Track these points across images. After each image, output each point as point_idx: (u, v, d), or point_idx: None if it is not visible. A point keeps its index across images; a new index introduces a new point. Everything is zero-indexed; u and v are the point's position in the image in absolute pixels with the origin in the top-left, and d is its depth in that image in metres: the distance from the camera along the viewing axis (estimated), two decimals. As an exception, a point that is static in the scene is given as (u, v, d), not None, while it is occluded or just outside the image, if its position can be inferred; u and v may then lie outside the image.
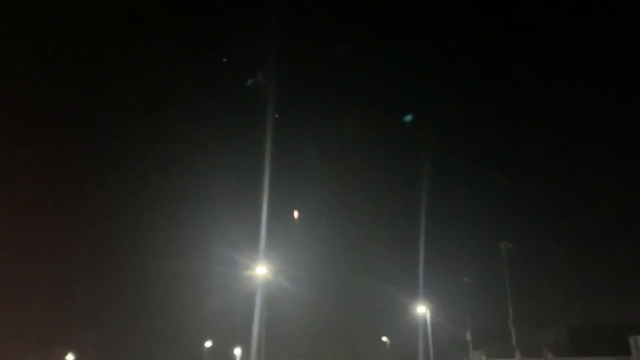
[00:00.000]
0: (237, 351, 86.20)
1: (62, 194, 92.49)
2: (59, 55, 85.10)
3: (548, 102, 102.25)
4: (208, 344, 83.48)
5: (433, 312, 64.90)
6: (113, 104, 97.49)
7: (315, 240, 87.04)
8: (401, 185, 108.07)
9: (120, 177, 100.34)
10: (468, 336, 62.09)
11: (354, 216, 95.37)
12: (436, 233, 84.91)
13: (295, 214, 75.99)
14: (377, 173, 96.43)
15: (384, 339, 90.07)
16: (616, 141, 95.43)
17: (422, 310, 64.79)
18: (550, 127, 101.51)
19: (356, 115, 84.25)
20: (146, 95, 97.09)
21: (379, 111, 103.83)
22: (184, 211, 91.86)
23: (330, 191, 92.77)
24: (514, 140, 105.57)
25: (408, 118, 74.07)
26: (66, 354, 77.67)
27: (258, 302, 55.65)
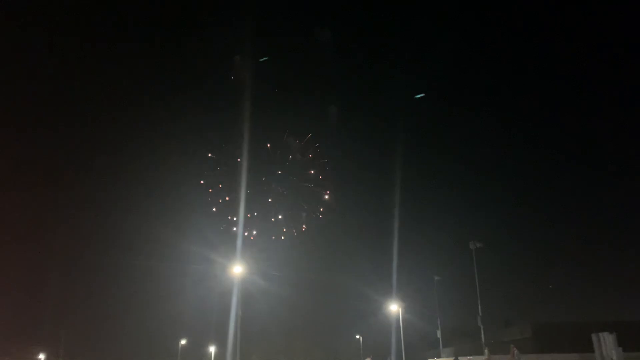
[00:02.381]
0: (212, 349, 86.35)
1: (36, 191, 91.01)
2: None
3: (521, 103, 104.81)
4: (183, 342, 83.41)
5: (405, 310, 66.27)
6: (88, 100, 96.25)
7: (291, 239, 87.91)
8: (374, 185, 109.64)
9: (93, 175, 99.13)
10: (438, 334, 63.60)
11: (328, 215, 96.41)
12: (408, 232, 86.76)
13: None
14: (351, 172, 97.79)
15: (357, 336, 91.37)
16: (586, 144, 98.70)
17: (394, 308, 66.09)
18: (521, 128, 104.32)
19: (335, 115, 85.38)
20: (126, 92, 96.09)
21: (352, 110, 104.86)
22: (159, 209, 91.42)
23: (305, 190, 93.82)
24: (485, 141, 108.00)
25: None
26: (38, 354, 76.58)
27: (234, 300, 56.16)
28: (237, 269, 53.79)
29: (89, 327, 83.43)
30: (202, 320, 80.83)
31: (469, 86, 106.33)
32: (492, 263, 74.96)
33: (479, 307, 48.12)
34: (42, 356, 77.87)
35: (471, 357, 50.07)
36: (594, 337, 37.85)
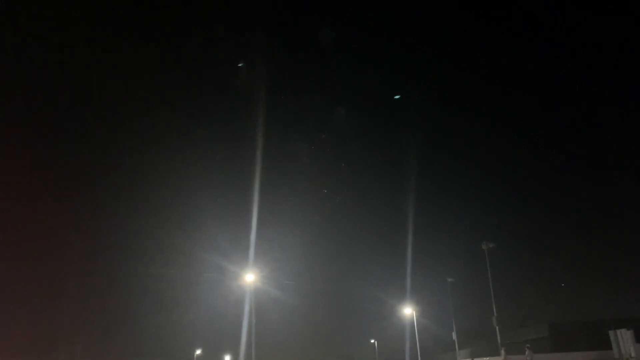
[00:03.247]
0: (227, 358, 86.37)
1: (51, 200, 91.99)
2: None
3: (532, 105, 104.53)
4: (198, 351, 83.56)
5: (419, 313, 65.98)
6: (102, 109, 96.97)
7: (304, 246, 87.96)
8: (387, 189, 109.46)
9: (110, 184, 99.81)
10: (454, 336, 63.18)
11: (341, 222, 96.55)
12: (421, 235, 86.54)
13: None
14: (363, 177, 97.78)
15: (372, 340, 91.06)
16: (597, 144, 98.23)
17: (408, 311, 65.82)
18: (532, 129, 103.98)
19: (342, 119, 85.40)
20: (137, 101, 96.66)
21: (365, 114, 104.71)
22: (173, 218, 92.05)
23: (317, 198, 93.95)
24: (496, 142, 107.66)
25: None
26: None
27: (247, 309, 56.25)
28: (250, 277, 54.00)
29: (105, 335, 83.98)
30: (216, 329, 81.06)
31: (480, 87, 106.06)
32: (505, 263, 74.65)
33: (494, 307, 47.78)
34: (58, 362, 78.24)
35: (488, 359, 49.78)
36: (611, 334, 37.62)
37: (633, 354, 34.55)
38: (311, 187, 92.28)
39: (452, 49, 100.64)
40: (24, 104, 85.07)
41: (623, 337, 36.01)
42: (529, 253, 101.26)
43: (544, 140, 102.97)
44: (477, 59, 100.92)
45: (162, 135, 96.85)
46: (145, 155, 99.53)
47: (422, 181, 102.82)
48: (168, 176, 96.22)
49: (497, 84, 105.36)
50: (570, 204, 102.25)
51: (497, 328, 46.74)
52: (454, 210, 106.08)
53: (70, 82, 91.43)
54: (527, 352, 38.17)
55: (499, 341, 46.62)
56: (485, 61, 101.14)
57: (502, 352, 45.27)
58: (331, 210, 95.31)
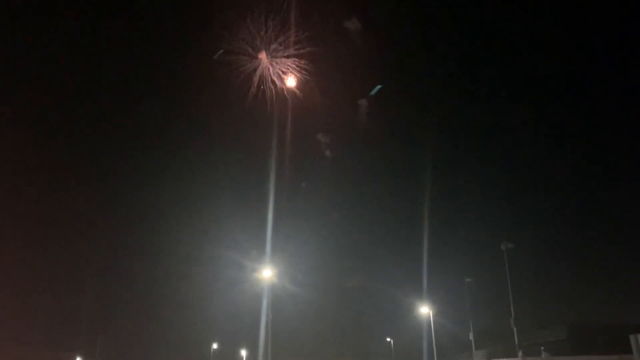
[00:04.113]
0: (244, 352, 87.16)
1: (71, 199, 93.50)
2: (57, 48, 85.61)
3: (551, 105, 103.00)
4: (215, 346, 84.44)
5: (435, 312, 65.71)
6: (122, 111, 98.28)
7: (320, 243, 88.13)
8: (404, 188, 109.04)
9: (128, 182, 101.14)
10: (471, 336, 62.84)
11: (358, 219, 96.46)
12: (438, 234, 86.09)
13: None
14: (380, 176, 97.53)
15: (388, 339, 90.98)
16: (617, 145, 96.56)
17: (425, 310, 65.62)
18: (551, 129, 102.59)
19: (360, 117, 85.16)
20: (154, 103, 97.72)
21: (382, 114, 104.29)
22: (191, 215, 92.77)
23: (334, 194, 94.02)
24: (515, 142, 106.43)
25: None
26: (74, 359, 78.45)
27: (264, 304, 56.72)
28: (267, 273, 54.45)
29: (124, 333, 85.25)
30: (234, 325, 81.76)
31: (499, 85, 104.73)
32: (525, 264, 73.79)
33: (512, 308, 47.39)
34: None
35: (505, 360, 49.41)
36: (632, 338, 37.02)
37: (654, 359, 33.97)
38: (329, 183, 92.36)
39: (465, 44, 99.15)
40: (40, 106, 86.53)
41: (644, 342, 35.42)
42: (549, 254, 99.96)
43: (567, 140, 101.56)
44: (497, 52, 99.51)
45: (180, 133, 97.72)
46: (164, 154, 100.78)
47: (441, 180, 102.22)
48: (186, 175, 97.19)
49: (519, 83, 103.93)
50: (591, 206, 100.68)
51: (514, 329, 46.36)
52: (473, 209, 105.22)
53: (85, 83, 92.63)
54: (543, 355, 37.84)
55: (517, 343, 46.26)
56: (505, 56, 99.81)
57: (520, 354, 44.89)
58: (349, 207, 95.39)
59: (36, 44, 76.41)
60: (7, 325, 71.69)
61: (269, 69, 69.53)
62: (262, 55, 64.83)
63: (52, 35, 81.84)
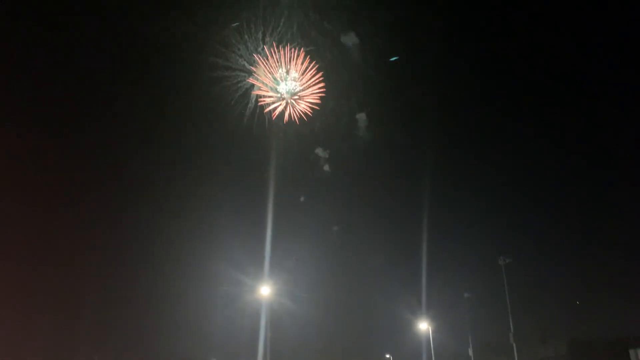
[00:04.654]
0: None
1: (69, 216, 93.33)
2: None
3: (550, 117, 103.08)
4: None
5: (435, 328, 65.51)
6: (119, 127, 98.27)
7: (319, 259, 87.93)
8: (403, 203, 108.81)
9: (126, 198, 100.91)
10: (470, 352, 62.63)
11: (357, 234, 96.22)
12: (438, 250, 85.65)
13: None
14: (378, 191, 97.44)
15: (387, 355, 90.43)
16: (616, 157, 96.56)
17: (424, 326, 65.41)
18: (550, 142, 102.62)
19: (360, 129, 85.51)
20: (155, 117, 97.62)
21: (382, 123, 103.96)
22: (189, 231, 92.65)
23: (333, 209, 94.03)
24: (513, 156, 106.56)
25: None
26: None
27: (263, 321, 56.57)
28: (265, 290, 54.42)
29: (123, 346, 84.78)
30: (232, 342, 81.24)
31: (497, 96, 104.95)
32: (524, 278, 73.65)
33: (511, 323, 47.19)
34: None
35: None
36: (631, 352, 37.08)
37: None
38: (327, 199, 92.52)
39: (463, 49, 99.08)
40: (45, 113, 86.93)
41: (643, 356, 35.42)
42: (548, 268, 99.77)
43: (566, 155, 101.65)
44: (493, 63, 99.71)
45: (180, 150, 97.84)
46: (163, 170, 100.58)
47: (439, 195, 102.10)
48: (185, 193, 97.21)
49: (518, 94, 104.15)
50: (591, 220, 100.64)
51: (514, 345, 46.16)
52: (470, 224, 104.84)
53: (90, 93, 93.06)
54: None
55: (516, 358, 46.05)
56: (503, 66, 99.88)
57: (519, 369, 44.71)
58: (347, 223, 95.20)
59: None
60: (6, 342, 71.66)
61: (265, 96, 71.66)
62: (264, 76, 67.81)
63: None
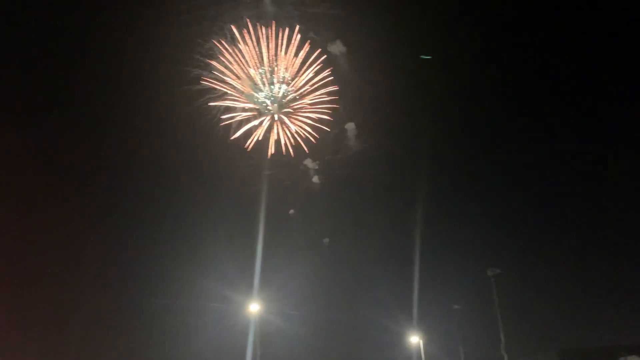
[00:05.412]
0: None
1: (59, 231, 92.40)
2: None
3: (539, 125, 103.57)
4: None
5: (426, 341, 65.09)
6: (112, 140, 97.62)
7: (309, 275, 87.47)
8: (393, 217, 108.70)
9: (113, 216, 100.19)
10: (461, 364, 62.39)
11: (347, 249, 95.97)
12: (428, 263, 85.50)
13: None
14: (369, 205, 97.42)
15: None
16: (605, 169, 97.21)
17: (415, 340, 65.04)
18: (539, 152, 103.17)
19: (349, 143, 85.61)
20: (149, 137, 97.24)
21: (373, 139, 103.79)
22: (179, 249, 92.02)
23: (323, 224, 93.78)
24: (501, 167, 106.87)
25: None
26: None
27: (251, 339, 55.51)
28: (254, 307, 53.68)
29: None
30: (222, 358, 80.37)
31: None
32: (513, 289, 73.65)
33: (501, 334, 47.10)
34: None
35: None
36: (621, 361, 37.05)
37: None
38: (316, 215, 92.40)
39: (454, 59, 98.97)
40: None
41: (633, 364, 35.44)
42: (538, 278, 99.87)
43: (553, 163, 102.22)
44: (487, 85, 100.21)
45: (171, 168, 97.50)
46: (153, 186, 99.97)
47: (428, 207, 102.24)
48: (175, 207, 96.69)
49: (511, 105, 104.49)
50: (580, 229, 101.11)
51: (505, 356, 46.02)
52: (460, 235, 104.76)
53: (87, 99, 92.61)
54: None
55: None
56: (495, 75, 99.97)
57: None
58: (336, 238, 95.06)
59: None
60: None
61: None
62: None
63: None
